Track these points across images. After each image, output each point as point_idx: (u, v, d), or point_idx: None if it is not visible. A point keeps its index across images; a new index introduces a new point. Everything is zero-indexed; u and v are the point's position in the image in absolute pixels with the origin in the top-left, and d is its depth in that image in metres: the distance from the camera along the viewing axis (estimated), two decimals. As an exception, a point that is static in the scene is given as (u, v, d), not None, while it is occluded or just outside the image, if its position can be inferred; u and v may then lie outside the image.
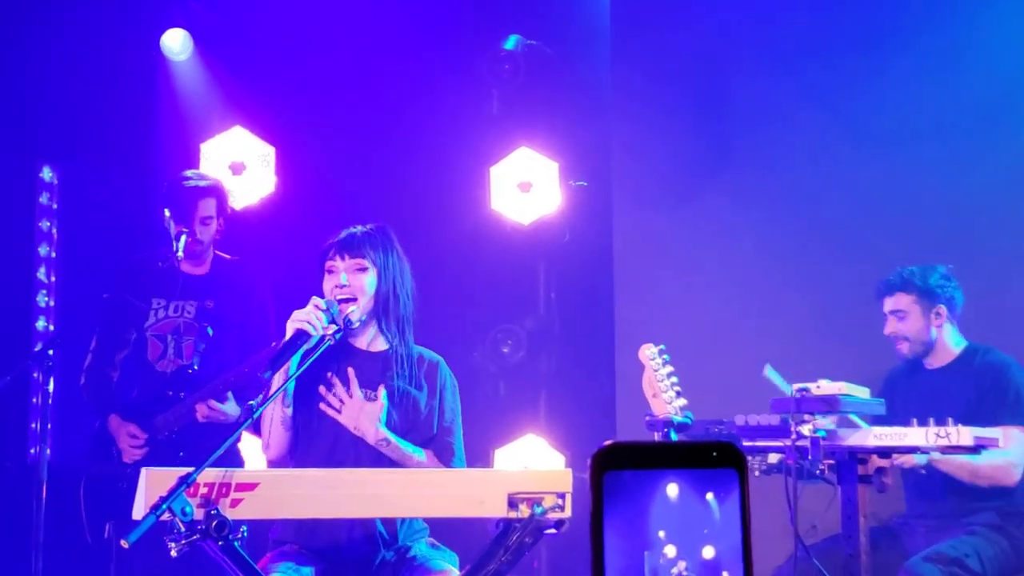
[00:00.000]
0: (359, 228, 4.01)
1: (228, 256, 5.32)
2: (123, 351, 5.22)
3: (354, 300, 3.89)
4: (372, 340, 4.00)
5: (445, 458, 3.97)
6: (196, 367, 5.10)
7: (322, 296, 3.90)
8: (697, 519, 1.34)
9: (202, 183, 5.21)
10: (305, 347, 3.72)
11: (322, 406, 3.90)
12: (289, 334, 3.75)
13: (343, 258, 3.93)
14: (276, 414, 3.85)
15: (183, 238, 5.08)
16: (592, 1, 6.47)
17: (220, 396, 4.94)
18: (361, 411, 3.86)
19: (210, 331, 5.14)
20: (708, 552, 1.35)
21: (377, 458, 3.87)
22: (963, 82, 5.57)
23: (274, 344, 3.90)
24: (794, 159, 5.89)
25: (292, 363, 3.74)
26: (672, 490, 1.34)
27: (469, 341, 6.33)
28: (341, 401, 3.89)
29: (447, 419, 4.02)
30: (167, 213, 5.16)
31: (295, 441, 3.91)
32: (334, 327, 3.80)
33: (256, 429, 3.93)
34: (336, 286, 3.90)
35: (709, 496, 1.34)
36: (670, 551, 1.36)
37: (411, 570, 3.82)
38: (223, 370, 5.00)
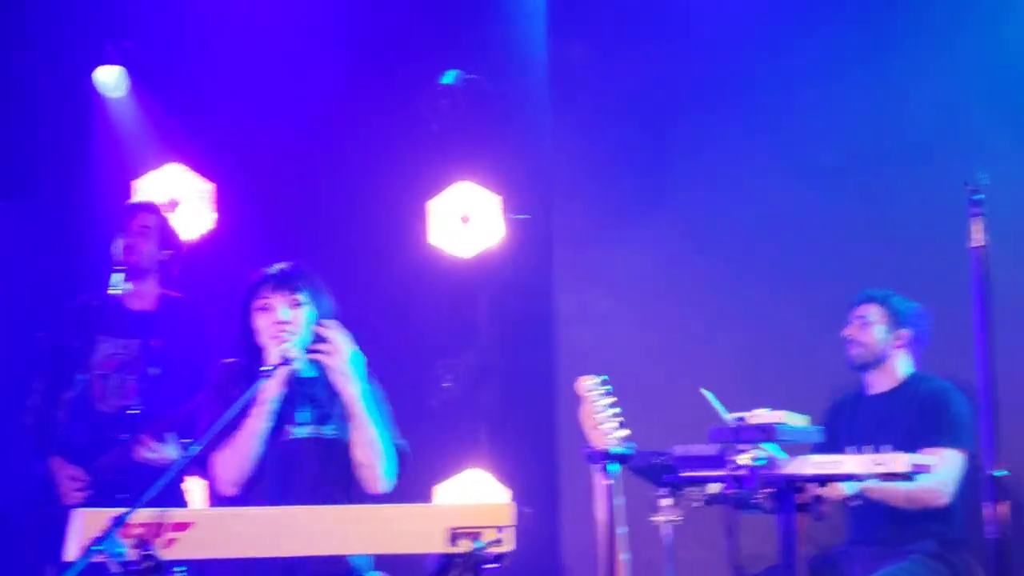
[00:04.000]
0: (284, 264, 4.03)
1: (176, 294, 5.31)
2: (69, 391, 5.17)
3: (294, 335, 3.90)
4: (305, 368, 3.99)
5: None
6: (137, 408, 5.04)
7: (249, 333, 3.91)
8: None
9: (140, 199, 5.56)
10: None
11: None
12: (275, 360, 3.83)
13: (281, 293, 3.93)
14: (254, 452, 3.83)
15: (118, 276, 5.09)
16: (530, 35, 6.49)
17: (159, 436, 4.89)
18: (348, 360, 3.91)
19: (152, 371, 5.10)
20: None
21: (335, 486, 3.88)
22: (902, 109, 5.64)
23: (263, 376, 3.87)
24: (735, 189, 5.92)
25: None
26: None
27: (410, 376, 6.28)
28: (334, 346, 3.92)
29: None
30: (116, 244, 5.21)
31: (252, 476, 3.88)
32: (272, 365, 3.81)
33: (202, 469, 3.89)
34: (276, 322, 3.90)
35: None
36: None
37: None
38: (167, 410, 4.96)
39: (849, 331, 5.06)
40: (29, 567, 4.98)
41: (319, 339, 3.95)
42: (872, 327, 5.02)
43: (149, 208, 5.39)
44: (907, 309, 5.04)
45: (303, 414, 3.95)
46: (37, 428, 5.18)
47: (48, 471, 5.09)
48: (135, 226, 5.23)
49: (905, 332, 5.02)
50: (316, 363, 3.97)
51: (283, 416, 3.92)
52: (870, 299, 5.06)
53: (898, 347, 5.02)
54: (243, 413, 3.81)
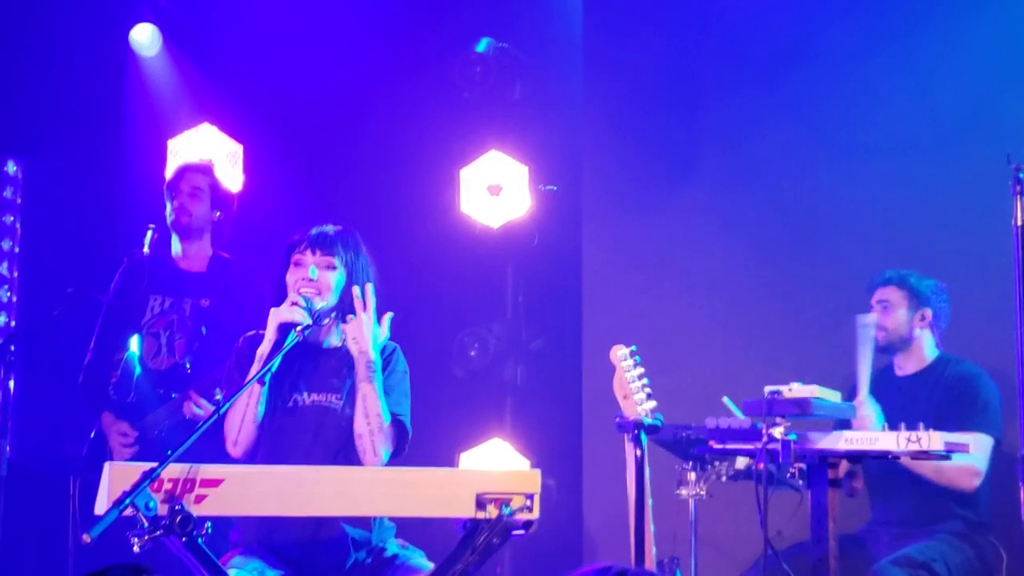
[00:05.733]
0: (330, 227, 4.03)
1: (227, 255, 5.31)
2: (122, 350, 5.18)
3: (319, 295, 3.90)
4: (331, 337, 4.00)
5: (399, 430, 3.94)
6: (189, 366, 5.06)
7: (285, 287, 3.92)
8: None
9: (193, 161, 5.51)
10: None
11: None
12: (272, 330, 3.84)
13: (314, 253, 3.95)
14: (249, 412, 3.84)
15: (149, 234, 5.09)
16: (564, 5, 6.45)
17: (207, 394, 4.90)
18: (367, 327, 3.90)
19: (204, 330, 5.11)
20: None
21: (338, 457, 3.86)
22: (936, 93, 5.57)
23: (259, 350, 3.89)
24: (765, 165, 5.88)
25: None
26: None
27: (436, 344, 6.28)
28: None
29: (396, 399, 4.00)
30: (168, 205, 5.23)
31: (259, 439, 3.88)
32: (306, 322, 3.81)
33: (220, 427, 3.89)
34: (303, 279, 3.91)
35: None
36: None
37: (393, 570, 3.81)
38: (214, 368, 4.96)
39: (871, 317, 5.00)
40: (79, 525, 4.96)
41: (351, 306, 3.95)
42: (895, 311, 4.95)
43: (200, 169, 5.35)
44: (927, 288, 4.97)
45: (311, 382, 3.95)
46: (88, 387, 5.18)
47: (100, 429, 5.10)
48: (186, 187, 5.20)
49: (928, 311, 4.96)
50: (343, 333, 3.98)
51: (291, 383, 3.93)
52: (888, 281, 4.99)
53: (922, 327, 4.98)
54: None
